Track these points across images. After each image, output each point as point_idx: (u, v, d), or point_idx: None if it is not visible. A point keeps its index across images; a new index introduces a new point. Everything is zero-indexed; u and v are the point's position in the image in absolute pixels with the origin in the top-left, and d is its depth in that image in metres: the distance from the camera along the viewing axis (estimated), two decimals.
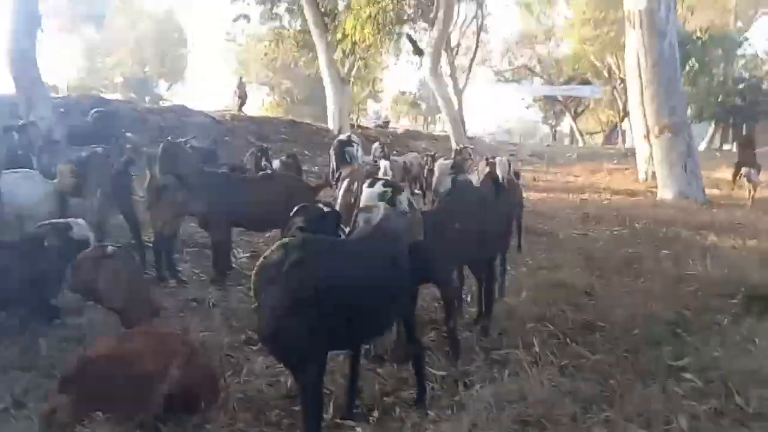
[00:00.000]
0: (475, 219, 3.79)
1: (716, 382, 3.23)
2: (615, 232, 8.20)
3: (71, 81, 32.32)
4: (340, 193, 5.28)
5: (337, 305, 2.32)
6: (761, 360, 3.47)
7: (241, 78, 23.78)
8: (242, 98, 21.54)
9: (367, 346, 3.53)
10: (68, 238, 3.68)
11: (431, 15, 16.30)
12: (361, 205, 3.04)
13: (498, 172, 5.61)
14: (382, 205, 2.94)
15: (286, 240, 2.35)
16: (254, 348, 3.69)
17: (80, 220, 3.90)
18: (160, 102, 27.60)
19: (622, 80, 30.60)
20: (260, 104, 36.54)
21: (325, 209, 2.76)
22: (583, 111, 38.88)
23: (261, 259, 2.38)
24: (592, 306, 4.54)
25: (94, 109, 7.68)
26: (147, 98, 31.28)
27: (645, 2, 11.64)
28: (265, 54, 23.78)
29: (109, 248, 3.38)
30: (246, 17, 21.90)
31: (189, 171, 4.95)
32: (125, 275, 3.20)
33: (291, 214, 2.62)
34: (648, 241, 7.38)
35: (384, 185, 3.25)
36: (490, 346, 3.82)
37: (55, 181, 4.73)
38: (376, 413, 2.93)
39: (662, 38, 11.68)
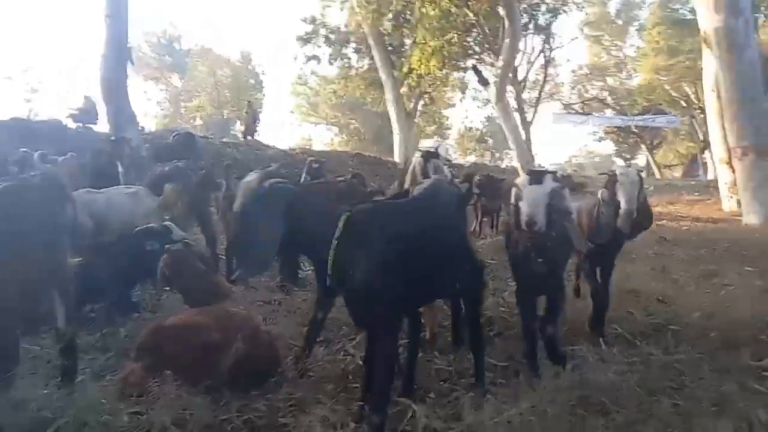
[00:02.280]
0: None
1: None
2: (693, 253, 7.75)
3: (157, 125, 34.97)
4: None
5: (397, 260, 2.42)
6: None
7: (249, 102, 21.99)
8: (249, 125, 19.52)
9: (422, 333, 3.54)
10: (170, 240, 4.00)
11: (497, 46, 16.49)
12: None
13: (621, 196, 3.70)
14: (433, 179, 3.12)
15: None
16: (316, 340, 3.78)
17: (174, 225, 4.24)
18: None
19: (701, 109, 29.34)
20: (328, 142, 37.81)
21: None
22: (660, 143, 37.37)
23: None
24: (664, 311, 4.32)
25: (175, 132, 8.34)
26: (225, 138, 33.30)
27: (721, 20, 11.22)
28: (334, 92, 24.73)
29: (177, 243, 3.68)
30: (316, 58, 23.05)
31: None
32: (188, 263, 3.45)
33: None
34: (731, 260, 6.93)
35: None
36: None
37: (160, 197, 5.14)
38: (432, 395, 2.92)
39: (742, 55, 11.18)
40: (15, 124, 11.86)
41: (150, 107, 42.88)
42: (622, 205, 3.62)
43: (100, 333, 3.90)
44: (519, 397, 2.81)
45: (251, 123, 19.33)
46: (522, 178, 3.01)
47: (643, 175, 4.14)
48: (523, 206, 2.88)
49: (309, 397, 2.75)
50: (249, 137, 18.38)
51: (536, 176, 2.95)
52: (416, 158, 4.84)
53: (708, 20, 11.56)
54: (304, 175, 7.76)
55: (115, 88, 8.46)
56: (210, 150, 14.15)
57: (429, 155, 5.48)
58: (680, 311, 4.32)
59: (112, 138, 6.17)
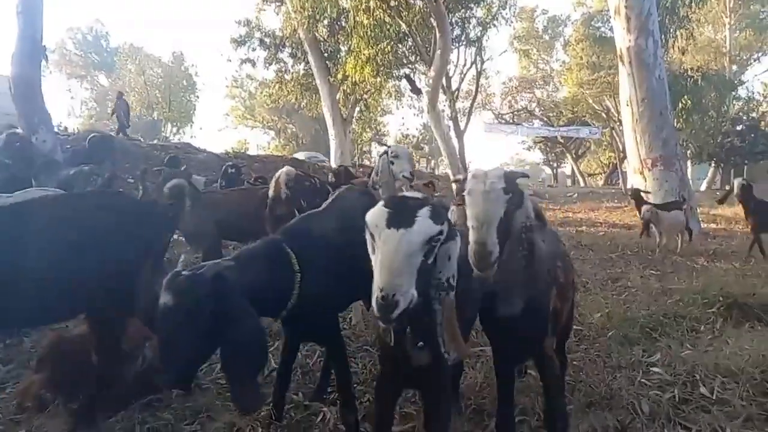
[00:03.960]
0: None
1: (683, 375, 3.28)
2: (605, 257, 8.25)
3: (82, 125, 33.29)
4: None
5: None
6: (730, 356, 3.51)
7: (120, 95, 19.10)
8: (121, 119, 17.20)
9: None
10: None
11: (429, 56, 16.89)
12: None
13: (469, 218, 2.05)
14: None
15: None
16: None
17: None
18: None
19: (620, 122, 31.26)
20: (265, 146, 37.33)
21: None
22: (584, 153, 39.44)
23: None
24: None
25: (91, 134, 8.01)
26: (155, 140, 32.18)
27: (633, 40, 12.05)
28: (269, 96, 24.42)
29: None
30: (251, 62, 22.72)
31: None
32: None
33: None
34: (636, 263, 7.44)
35: None
36: None
37: None
38: None
39: (651, 72, 12.04)
40: None
41: (75, 106, 40.83)
42: (470, 234, 1.95)
43: (2, 344, 3.73)
44: None
45: (122, 117, 16.92)
46: (377, 213, 1.71)
47: (531, 185, 2.66)
48: (376, 269, 1.65)
49: (217, 403, 2.75)
50: (122, 135, 16.59)
51: (402, 210, 1.68)
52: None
53: (622, 39, 12.36)
54: (219, 179, 7.76)
55: (27, 87, 8.00)
56: (137, 153, 13.67)
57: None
58: (584, 312, 4.62)
59: (17, 143, 5.85)
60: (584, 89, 29.97)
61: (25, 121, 7.90)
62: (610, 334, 4.07)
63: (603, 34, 27.96)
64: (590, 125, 31.12)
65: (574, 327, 4.25)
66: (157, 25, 75.68)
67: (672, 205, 9.55)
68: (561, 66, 33.53)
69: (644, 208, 9.07)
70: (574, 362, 3.60)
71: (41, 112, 8.08)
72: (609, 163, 37.58)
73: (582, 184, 34.72)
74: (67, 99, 41.55)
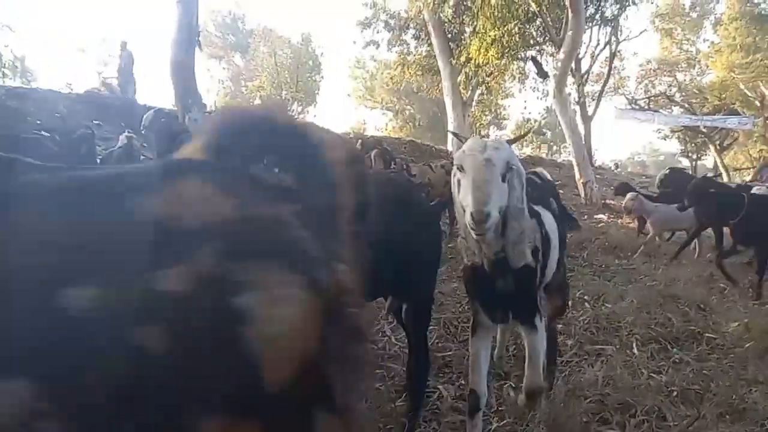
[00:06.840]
0: None
1: None
2: (749, 261, 7.50)
3: (218, 103, 36.13)
4: None
5: None
6: None
7: (123, 44, 14.31)
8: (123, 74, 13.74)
9: None
10: None
11: (559, 37, 16.09)
12: None
13: None
14: None
15: None
16: None
17: None
18: None
19: None
20: (383, 127, 38.03)
21: None
22: (730, 145, 35.45)
23: None
24: (703, 318, 4.29)
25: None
26: None
27: None
28: (391, 78, 24.78)
29: None
30: (375, 44, 23.18)
31: None
32: None
33: None
34: None
35: None
36: (583, 341, 3.79)
37: None
38: (463, 382, 3.07)
39: None
40: (88, 99, 12.75)
41: (213, 85, 44.31)
42: None
43: None
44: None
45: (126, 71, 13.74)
46: None
47: None
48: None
49: None
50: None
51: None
52: None
53: None
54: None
55: (184, 71, 8.95)
56: None
57: None
58: (719, 319, 4.29)
59: (163, 119, 6.56)
60: (735, 73, 26.95)
61: (180, 102, 8.87)
62: (747, 345, 3.76)
63: (763, 11, 24.92)
64: (740, 114, 27.95)
65: (707, 335, 3.99)
66: (288, 7, 79.50)
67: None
68: (709, 47, 30.36)
69: (628, 195, 7.56)
70: (705, 371, 3.38)
71: (194, 94, 9.00)
72: (760, 157, 33.56)
73: (725, 179, 31.40)
74: (207, 78, 45.27)
